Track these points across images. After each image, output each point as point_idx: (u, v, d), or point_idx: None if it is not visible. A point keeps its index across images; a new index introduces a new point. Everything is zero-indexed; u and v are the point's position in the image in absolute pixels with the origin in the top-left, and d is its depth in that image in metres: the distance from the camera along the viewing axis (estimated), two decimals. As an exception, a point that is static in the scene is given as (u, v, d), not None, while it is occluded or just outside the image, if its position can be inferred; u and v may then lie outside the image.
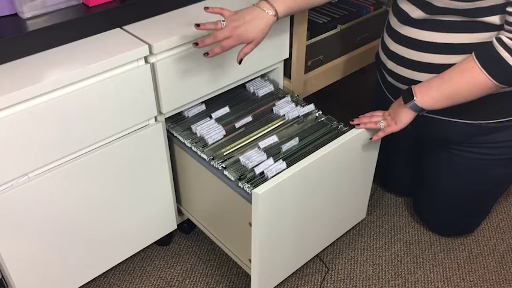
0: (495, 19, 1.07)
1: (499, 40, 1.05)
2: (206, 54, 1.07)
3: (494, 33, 1.09)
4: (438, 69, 1.16)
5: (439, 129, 1.30)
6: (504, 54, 1.04)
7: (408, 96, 1.16)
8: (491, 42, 1.07)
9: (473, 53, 1.09)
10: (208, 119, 1.31)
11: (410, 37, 1.20)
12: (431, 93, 1.14)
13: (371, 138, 1.24)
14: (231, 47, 1.07)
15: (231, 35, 1.05)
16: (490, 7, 1.06)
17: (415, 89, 1.16)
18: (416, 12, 1.17)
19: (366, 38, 1.63)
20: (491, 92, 1.11)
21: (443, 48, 1.15)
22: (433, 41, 1.16)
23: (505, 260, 1.45)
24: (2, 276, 1.17)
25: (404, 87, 1.22)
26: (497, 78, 1.07)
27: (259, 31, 1.08)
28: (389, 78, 1.32)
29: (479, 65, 1.07)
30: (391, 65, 1.28)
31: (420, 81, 1.18)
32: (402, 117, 1.19)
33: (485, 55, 1.07)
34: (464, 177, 1.37)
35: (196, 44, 1.05)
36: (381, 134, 1.22)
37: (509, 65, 1.03)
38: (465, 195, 1.40)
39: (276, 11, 1.10)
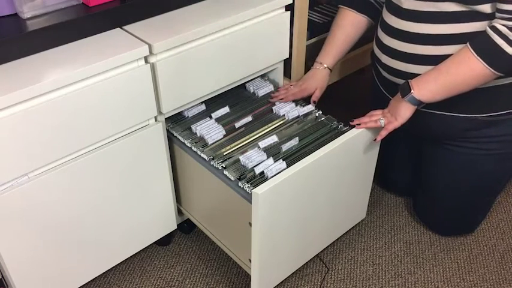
0: (486, 7, 1.08)
1: (494, 28, 1.06)
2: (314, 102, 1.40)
3: (484, 22, 1.10)
4: (432, 60, 1.16)
5: (433, 124, 1.30)
6: (499, 41, 1.05)
7: (405, 90, 1.17)
8: (485, 31, 1.07)
9: (468, 43, 1.10)
10: (208, 119, 1.31)
11: (402, 30, 1.21)
12: (429, 86, 1.14)
13: (375, 139, 1.25)
14: (301, 97, 1.40)
15: (300, 89, 1.39)
16: None
17: (412, 82, 1.17)
18: (407, 3, 1.18)
19: (366, 38, 1.63)
20: (489, 80, 1.12)
21: (435, 40, 1.16)
22: (425, 32, 1.17)
23: (505, 260, 1.45)
24: (2, 276, 1.17)
25: (400, 81, 1.23)
26: (495, 66, 1.07)
27: (319, 82, 1.40)
28: (384, 73, 1.32)
29: (476, 55, 1.08)
30: (385, 59, 1.29)
31: (415, 74, 1.19)
32: (402, 112, 1.19)
33: (481, 44, 1.08)
34: (461, 174, 1.37)
35: (281, 98, 1.39)
36: (384, 133, 1.22)
37: (506, 52, 1.04)
38: (463, 192, 1.40)
39: (325, 65, 1.40)
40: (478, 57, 1.08)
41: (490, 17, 1.09)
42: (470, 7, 1.09)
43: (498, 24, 1.05)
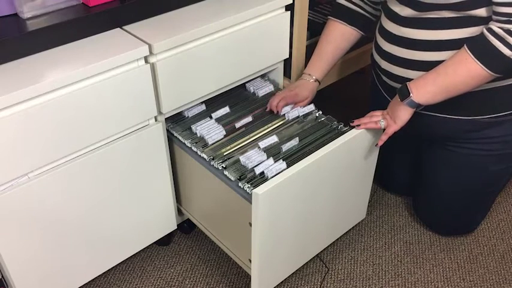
0: (481, 12, 1.08)
1: (490, 30, 1.06)
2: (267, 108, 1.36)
3: (481, 27, 1.10)
4: (431, 66, 1.17)
5: (434, 126, 1.30)
6: (496, 43, 1.05)
7: (404, 93, 1.17)
8: (482, 33, 1.08)
9: (465, 45, 1.10)
10: (208, 119, 1.31)
11: (401, 36, 1.21)
12: (427, 88, 1.15)
13: (376, 144, 1.25)
14: (291, 101, 1.34)
15: (290, 94, 1.34)
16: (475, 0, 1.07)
17: (411, 85, 1.16)
18: (405, 11, 1.18)
19: (366, 38, 1.63)
20: (486, 81, 1.12)
21: (434, 46, 1.16)
22: (424, 38, 1.17)
23: (505, 260, 1.45)
24: (2, 276, 1.17)
25: (399, 85, 1.23)
26: (492, 67, 1.08)
27: (309, 92, 1.37)
28: (385, 78, 1.32)
29: (473, 56, 1.08)
30: (385, 64, 1.29)
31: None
32: (401, 115, 1.19)
33: (478, 46, 1.08)
34: (461, 174, 1.37)
35: (266, 107, 1.36)
36: (384, 137, 1.23)
37: (502, 53, 1.05)
38: (463, 192, 1.40)
39: (315, 77, 1.38)
40: (475, 59, 1.08)
41: (487, 20, 1.09)
42: (465, 13, 1.10)
43: (494, 26, 1.06)
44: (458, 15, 1.11)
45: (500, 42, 1.05)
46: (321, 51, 1.38)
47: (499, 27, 1.05)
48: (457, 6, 1.10)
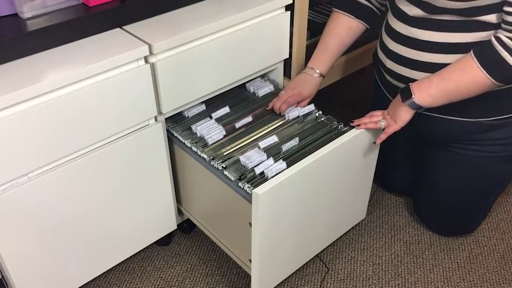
0: (492, 18, 1.08)
1: (498, 39, 1.05)
2: (267, 106, 1.37)
3: (491, 32, 1.09)
4: (437, 68, 1.16)
5: (437, 127, 1.30)
6: (504, 53, 1.04)
7: (406, 94, 1.17)
8: (490, 41, 1.07)
9: (471, 51, 1.10)
10: (208, 119, 1.31)
11: (409, 36, 1.21)
12: (430, 91, 1.14)
13: (375, 142, 1.25)
14: (294, 102, 1.33)
15: (293, 94, 1.32)
16: (486, 6, 1.07)
17: (413, 86, 1.16)
18: (414, 11, 1.18)
19: (366, 38, 1.63)
20: (489, 89, 1.12)
21: (441, 48, 1.16)
22: (431, 40, 1.17)
23: (505, 260, 1.45)
24: (2, 276, 1.17)
25: (403, 85, 1.22)
26: (497, 77, 1.07)
27: (312, 90, 1.36)
28: (389, 77, 1.32)
29: (479, 64, 1.08)
30: (390, 64, 1.28)
31: None
32: (401, 115, 1.19)
33: (485, 54, 1.08)
34: (463, 175, 1.37)
35: (267, 106, 1.36)
36: (383, 136, 1.22)
37: (509, 64, 1.04)
38: (464, 193, 1.40)
39: (319, 72, 1.35)
40: (481, 67, 1.08)
41: (497, 26, 1.09)
42: (473, 18, 1.09)
43: (503, 35, 1.05)
44: (467, 19, 1.11)
45: (507, 52, 1.04)
46: (326, 45, 1.36)
47: (507, 37, 1.04)
48: (466, 11, 1.09)
